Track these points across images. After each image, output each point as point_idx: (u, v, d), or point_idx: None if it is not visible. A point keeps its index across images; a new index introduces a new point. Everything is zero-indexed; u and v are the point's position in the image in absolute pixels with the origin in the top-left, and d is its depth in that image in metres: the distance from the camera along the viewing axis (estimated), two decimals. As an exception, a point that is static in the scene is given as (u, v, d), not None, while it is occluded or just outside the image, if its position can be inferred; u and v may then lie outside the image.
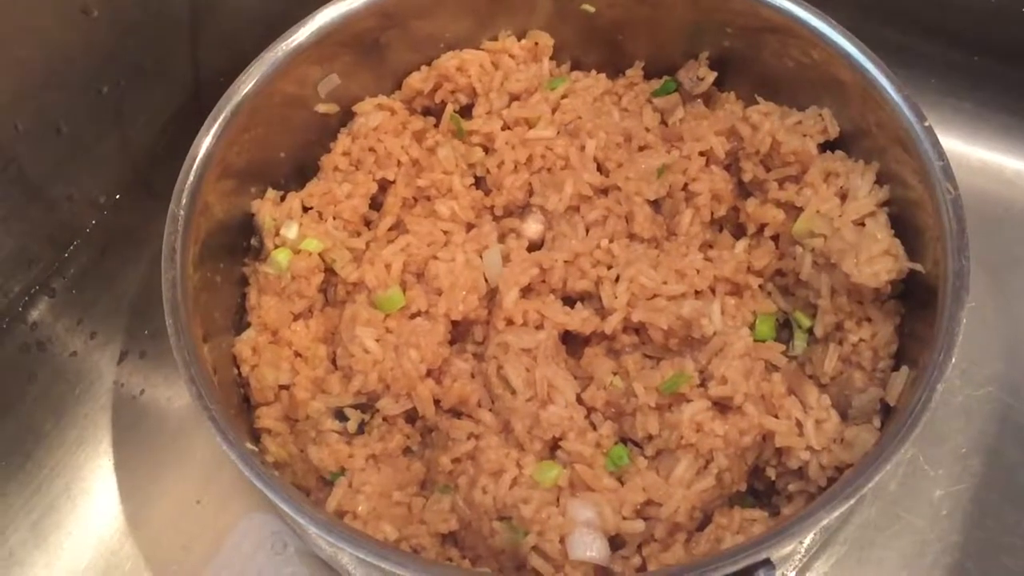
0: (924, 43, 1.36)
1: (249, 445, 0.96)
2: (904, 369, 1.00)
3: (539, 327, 1.07)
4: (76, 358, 1.25)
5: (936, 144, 1.01)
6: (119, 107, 1.24)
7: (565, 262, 1.09)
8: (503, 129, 1.18)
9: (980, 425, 1.18)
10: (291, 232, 1.12)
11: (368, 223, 1.19)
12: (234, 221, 1.14)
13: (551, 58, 1.24)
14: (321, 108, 1.20)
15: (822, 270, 1.05)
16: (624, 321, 1.06)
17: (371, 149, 1.18)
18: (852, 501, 0.88)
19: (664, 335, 1.04)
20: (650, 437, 1.01)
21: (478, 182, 1.19)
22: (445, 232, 1.14)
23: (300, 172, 1.21)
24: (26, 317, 1.23)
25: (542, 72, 1.23)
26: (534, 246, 1.13)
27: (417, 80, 1.22)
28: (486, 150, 1.19)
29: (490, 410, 1.05)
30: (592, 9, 1.21)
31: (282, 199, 1.17)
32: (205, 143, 1.07)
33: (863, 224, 1.05)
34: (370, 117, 1.19)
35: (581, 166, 1.14)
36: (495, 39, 1.23)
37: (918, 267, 1.02)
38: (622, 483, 0.99)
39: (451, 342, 1.09)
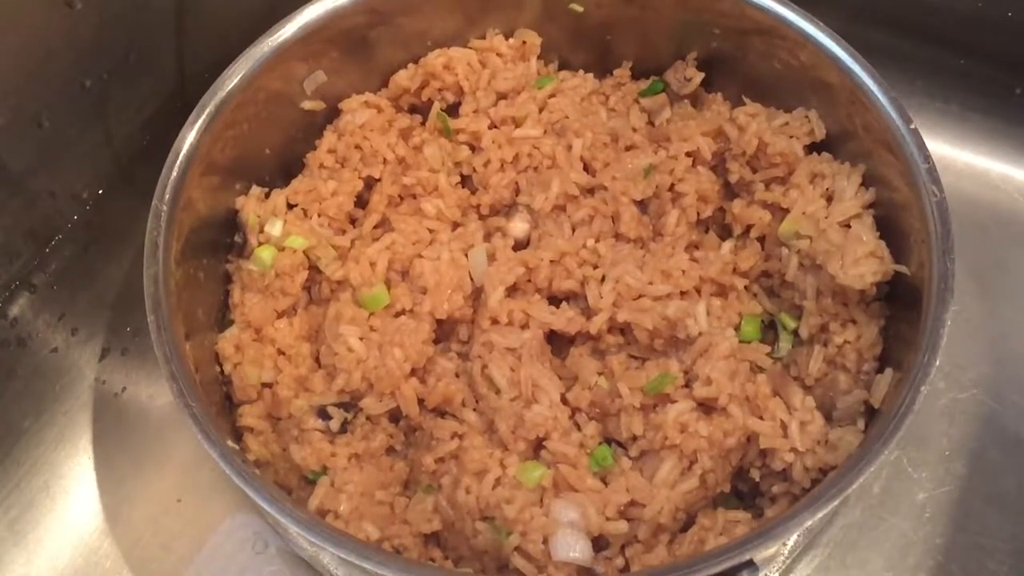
0: (911, 46, 1.36)
1: (231, 443, 0.96)
2: (888, 371, 1.00)
3: (524, 327, 1.06)
4: (57, 354, 1.23)
5: (922, 147, 1.02)
6: (102, 101, 1.23)
7: (551, 262, 1.09)
8: (490, 128, 1.18)
9: (964, 428, 1.19)
10: (275, 229, 1.12)
11: (353, 221, 1.18)
12: (218, 217, 1.14)
13: (539, 57, 1.24)
14: (307, 105, 1.19)
15: (808, 272, 1.06)
16: (609, 321, 1.05)
17: (357, 146, 1.18)
18: (836, 503, 0.89)
19: (649, 335, 1.04)
20: (634, 438, 1.01)
21: (464, 181, 1.19)
22: (431, 230, 1.13)
23: (285, 169, 1.20)
24: (6, 312, 1.22)
25: (530, 71, 1.22)
26: (520, 245, 1.13)
27: (404, 78, 1.21)
28: (472, 149, 1.18)
29: (474, 410, 1.05)
30: (580, 9, 1.20)
31: (267, 196, 1.16)
32: (189, 138, 1.06)
33: (849, 226, 1.05)
34: (356, 114, 1.19)
35: (568, 165, 1.14)
36: (483, 37, 1.23)
37: (903, 269, 1.02)
38: (606, 484, 0.99)
39: (436, 341, 1.08)
